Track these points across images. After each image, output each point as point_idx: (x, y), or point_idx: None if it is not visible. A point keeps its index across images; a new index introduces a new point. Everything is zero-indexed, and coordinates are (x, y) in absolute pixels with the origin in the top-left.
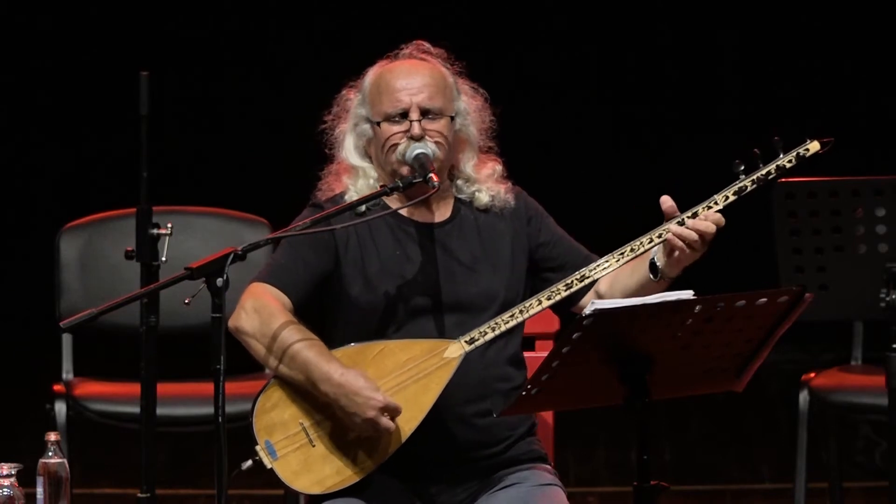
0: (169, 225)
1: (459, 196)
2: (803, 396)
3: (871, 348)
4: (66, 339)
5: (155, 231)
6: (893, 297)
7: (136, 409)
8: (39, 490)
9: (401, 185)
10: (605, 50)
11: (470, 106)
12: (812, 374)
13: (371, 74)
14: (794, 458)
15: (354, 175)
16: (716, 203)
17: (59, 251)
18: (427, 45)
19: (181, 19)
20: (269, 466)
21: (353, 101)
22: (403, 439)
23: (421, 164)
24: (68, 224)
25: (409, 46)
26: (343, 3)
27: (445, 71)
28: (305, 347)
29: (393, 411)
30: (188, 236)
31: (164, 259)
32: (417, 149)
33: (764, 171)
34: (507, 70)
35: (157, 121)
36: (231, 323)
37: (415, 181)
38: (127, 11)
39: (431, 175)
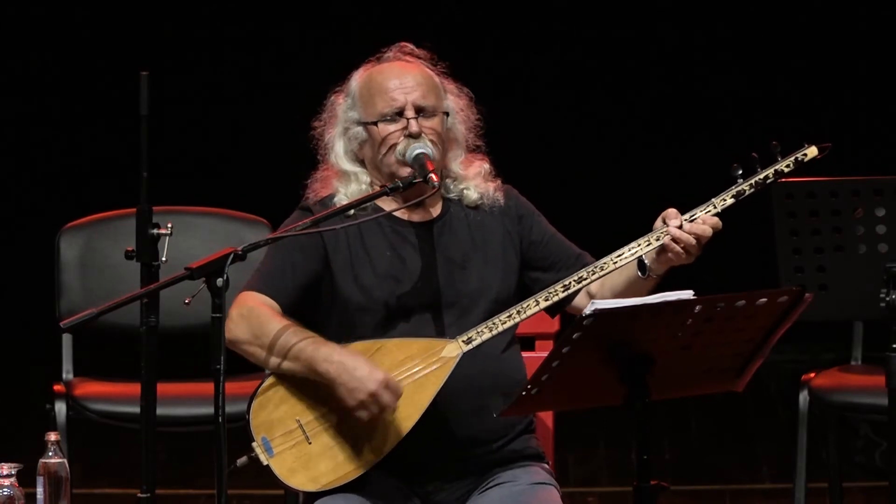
0: (169, 225)
1: (448, 195)
2: (803, 396)
3: (871, 348)
4: (66, 339)
5: (155, 231)
6: (893, 297)
7: (136, 409)
8: (39, 490)
9: (401, 185)
10: (605, 50)
11: (456, 105)
12: (812, 374)
13: (358, 77)
14: (794, 458)
15: (346, 180)
16: (714, 207)
17: (59, 251)
18: (411, 47)
19: (181, 19)
20: (265, 463)
21: (342, 106)
22: (400, 437)
23: (421, 163)
24: (68, 224)
25: (392, 48)
26: (344, 2)
27: (431, 71)
28: (302, 338)
29: (394, 389)
30: (188, 236)
31: (164, 259)
32: (418, 149)
33: (762, 176)
34: (506, 70)
35: (157, 121)
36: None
37: (415, 181)
38: (127, 11)
39: (431, 175)
